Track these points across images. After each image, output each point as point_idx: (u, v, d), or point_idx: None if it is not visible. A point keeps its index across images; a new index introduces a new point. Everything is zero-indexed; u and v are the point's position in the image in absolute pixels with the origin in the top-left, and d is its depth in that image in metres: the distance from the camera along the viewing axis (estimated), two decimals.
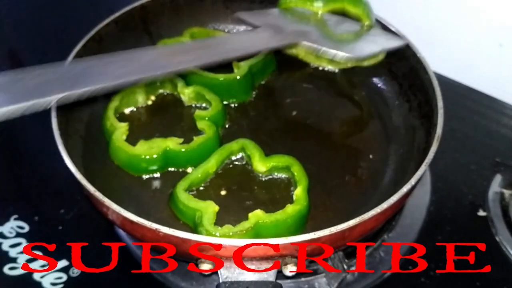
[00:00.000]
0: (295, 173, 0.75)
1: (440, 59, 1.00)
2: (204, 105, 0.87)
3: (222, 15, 1.01)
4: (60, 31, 1.13)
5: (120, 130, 0.80)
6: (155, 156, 0.77)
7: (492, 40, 1.04)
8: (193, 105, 0.88)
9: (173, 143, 0.78)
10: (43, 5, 1.21)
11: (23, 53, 1.17)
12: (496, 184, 0.89)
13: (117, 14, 0.89)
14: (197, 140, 0.79)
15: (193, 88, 0.86)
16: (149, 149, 0.77)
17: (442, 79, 1.05)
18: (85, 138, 0.82)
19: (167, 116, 0.87)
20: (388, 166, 0.80)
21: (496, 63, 1.05)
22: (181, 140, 0.79)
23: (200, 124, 0.82)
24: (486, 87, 1.06)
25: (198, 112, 0.84)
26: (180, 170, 0.79)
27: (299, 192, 0.72)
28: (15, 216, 0.84)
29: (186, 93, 0.87)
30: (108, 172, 0.79)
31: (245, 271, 0.60)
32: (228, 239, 0.60)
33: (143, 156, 0.77)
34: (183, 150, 0.78)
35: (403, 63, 0.87)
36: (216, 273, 0.61)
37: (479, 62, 1.07)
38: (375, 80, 0.94)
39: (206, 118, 0.83)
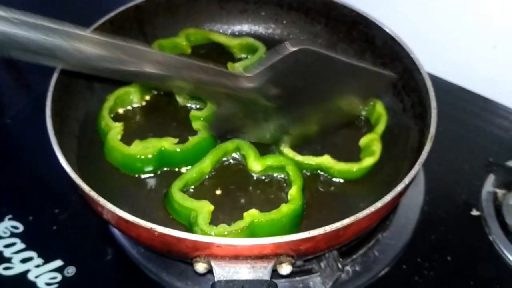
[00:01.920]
0: (290, 173, 0.75)
1: (434, 60, 1.01)
2: (198, 105, 0.87)
3: (217, 15, 1.01)
4: None
5: (115, 130, 0.80)
6: (150, 156, 0.77)
7: (485, 41, 1.04)
8: (188, 105, 0.88)
9: (168, 143, 0.78)
10: (38, 5, 1.20)
11: None
12: (489, 184, 0.90)
13: (112, 14, 0.89)
14: (192, 140, 0.79)
15: None
16: (144, 149, 0.77)
17: (436, 80, 1.06)
18: (79, 138, 0.82)
19: (162, 116, 0.87)
20: (382, 166, 0.80)
21: (489, 64, 1.06)
22: (176, 140, 0.79)
23: (196, 124, 0.82)
24: (479, 87, 1.07)
25: (193, 113, 0.84)
26: (175, 170, 0.79)
27: (294, 192, 0.73)
28: (10, 216, 0.84)
29: (181, 94, 0.87)
30: (103, 172, 0.79)
31: (240, 270, 0.60)
32: (223, 238, 0.60)
33: (138, 156, 0.77)
34: (178, 150, 0.78)
35: (397, 64, 0.87)
36: (211, 272, 0.61)
37: (473, 63, 1.08)
38: None
39: (201, 118, 0.83)
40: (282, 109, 0.72)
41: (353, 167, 0.78)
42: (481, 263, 0.81)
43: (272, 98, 0.69)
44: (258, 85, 0.67)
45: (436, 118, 0.74)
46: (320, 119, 0.79)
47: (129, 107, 0.87)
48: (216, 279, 0.59)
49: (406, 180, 0.66)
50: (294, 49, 0.64)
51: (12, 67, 1.17)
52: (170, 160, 0.79)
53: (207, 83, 0.65)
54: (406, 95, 0.86)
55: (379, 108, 0.85)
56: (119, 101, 0.85)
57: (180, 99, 0.87)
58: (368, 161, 0.78)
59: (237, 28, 1.02)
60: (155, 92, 0.90)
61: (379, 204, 0.63)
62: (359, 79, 0.75)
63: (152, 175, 0.79)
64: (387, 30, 0.88)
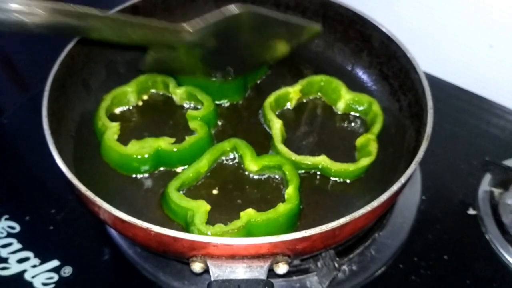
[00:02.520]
0: (287, 172, 0.75)
1: (431, 60, 1.02)
2: (195, 105, 0.87)
3: None
4: None
5: (112, 130, 0.80)
6: (147, 156, 0.77)
7: (482, 41, 1.05)
8: (185, 105, 0.88)
9: (165, 143, 0.78)
10: None
11: (16, 54, 1.17)
12: (485, 183, 0.90)
13: (108, 14, 0.89)
14: (189, 140, 0.79)
15: (185, 88, 0.87)
16: (141, 149, 0.77)
17: (433, 79, 1.06)
18: (76, 138, 0.82)
19: (158, 116, 0.87)
20: (378, 165, 0.80)
21: (486, 64, 1.06)
22: (173, 140, 0.79)
23: (192, 124, 0.82)
24: (476, 87, 1.07)
25: (190, 112, 0.84)
26: (172, 170, 0.79)
27: (290, 191, 0.73)
28: (6, 216, 0.84)
29: (178, 93, 0.87)
30: (99, 172, 0.79)
31: (236, 270, 0.60)
32: (219, 237, 0.60)
33: (135, 156, 0.77)
34: (175, 150, 0.78)
35: (394, 63, 0.88)
36: (207, 272, 0.61)
37: (470, 63, 1.08)
38: (366, 80, 0.94)
39: (198, 118, 0.83)
40: (221, 54, 0.80)
41: (350, 167, 0.78)
42: (477, 262, 0.82)
43: (211, 48, 0.77)
44: (198, 40, 0.74)
45: (433, 118, 0.74)
46: (253, 58, 0.87)
47: (125, 107, 0.87)
48: (212, 279, 0.59)
49: (402, 180, 0.66)
50: (238, 11, 0.72)
51: (9, 67, 1.17)
52: (167, 160, 0.79)
53: (152, 38, 0.73)
54: (403, 94, 0.86)
55: (375, 108, 0.85)
56: (115, 101, 0.85)
57: (176, 99, 0.87)
58: (364, 161, 0.78)
59: None
60: (152, 91, 0.90)
61: (375, 204, 0.63)
62: (290, 30, 0.85)
63: (148, 175, 0.79)
64: (383, 29, 0.88)
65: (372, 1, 0.91)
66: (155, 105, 0.89)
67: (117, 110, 0.87)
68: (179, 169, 0.79)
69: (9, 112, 1.02)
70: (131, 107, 0.88)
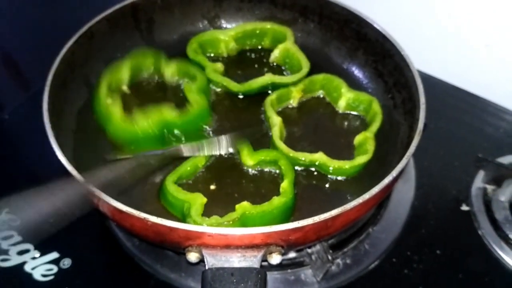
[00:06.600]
0: (282, 167, 0.77)
1: (427, 59, 1.02)
2: (187, 80, 0.89)
3: (212, 13, 1.02)
4: (53, 29, 1.14)
5: (116, 105, 0.81)
6: (152, 125, 0.79)
7: (478, 40, 1.06)
8: (175, 80, 0.90)
9: (168, 111, 0.80)
10: (35, 3, 1.22)
11: (17, 51, 1.18)
12: (479, 180, 0.91)
13: (108, 11, 0.90)
14: (192, 109, 0.82)
15: (176, 64, 0.89)
16: (147, 118, 0.79)
17: (428, 78, 1.08)
18: (76, 132, 0.83)
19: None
20: (373, 162, 0.81)
21: (482, 63, 1.07)
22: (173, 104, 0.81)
23: (191, 96, 0.84)
24: (471, 86, 1.08)
25: (186, 85, 0.86)
26: (171, 166, 0.80)
27: (285, 185, 0.74)
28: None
29: (169, 69, 0.89)
30: (99, 166, 0.80)
31: (230, 259, 0.61)
32: (213, 227, 0.61)
33: (142, 124, 0.78)
34: (179, 119, 0.80)
35: (388, 61, 0.89)
36: (203, 262, 0.62)
37: (465, 62, 1.09)
38: (361, 78, 0.95)
39: (195, 89, 0.85)
40: None
41: (346, 165, 0.79)
42: (470, 257, 0.83)
43: None
44: None
45: (425, 113, 0.76)
46: None
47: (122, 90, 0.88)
48: (207, 267, 0.61)
49: (394, 173, 0.68)
50: None
51: (11, 65, 1.19)
52: (171, 127, 0.80)
53: None
54: (397, 92, 0.87)
55: (375, 106, 0.86)
56: (112, 82, 0.86)
57: (168, 75, 0.90)
58: (361, 159, 0.79)
59: (232, 26, 1.03)
60: (145, 75, 0.92)
61: (366, 196, 0.64)
62: None
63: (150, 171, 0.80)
64: (378, 28, 0.89)
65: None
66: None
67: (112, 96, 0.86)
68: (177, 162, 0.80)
69: (10, 108, 1.04)
70: (125, 91, 0.89)
